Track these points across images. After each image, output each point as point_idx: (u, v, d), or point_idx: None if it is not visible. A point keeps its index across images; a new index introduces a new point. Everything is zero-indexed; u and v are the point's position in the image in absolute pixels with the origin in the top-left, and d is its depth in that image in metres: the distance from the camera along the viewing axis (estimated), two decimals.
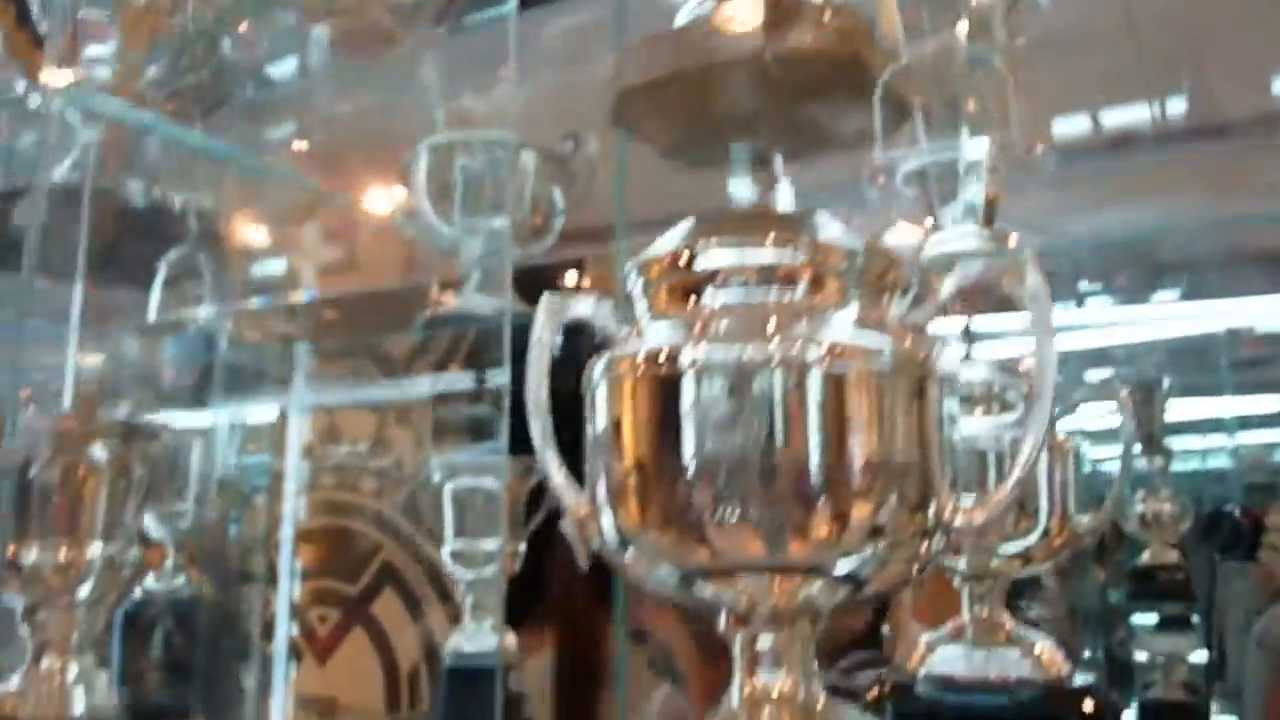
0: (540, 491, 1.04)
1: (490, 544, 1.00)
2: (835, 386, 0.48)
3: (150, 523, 1.23)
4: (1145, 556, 1.83)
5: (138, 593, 1.21)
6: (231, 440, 1.93)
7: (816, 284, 0.49)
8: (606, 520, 0.53)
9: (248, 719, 1.60)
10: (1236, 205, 1.63)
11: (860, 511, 0.48)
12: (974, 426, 0.82)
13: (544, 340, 0.59)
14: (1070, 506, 0.83)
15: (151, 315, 1.08)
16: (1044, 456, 0.82)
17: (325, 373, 1.96)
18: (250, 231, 1.47)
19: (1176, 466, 1.82)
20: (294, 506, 1.94)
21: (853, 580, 0.50)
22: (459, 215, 1.14)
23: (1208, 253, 1.72)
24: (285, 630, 1.91)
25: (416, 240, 1.30)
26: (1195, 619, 1.78)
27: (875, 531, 0.49)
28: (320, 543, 1.91)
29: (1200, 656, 1.74)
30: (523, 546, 1.05)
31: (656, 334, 0.51)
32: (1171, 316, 1.89)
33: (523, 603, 1.10)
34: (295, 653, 1.86)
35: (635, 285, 0.53)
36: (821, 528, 0.48)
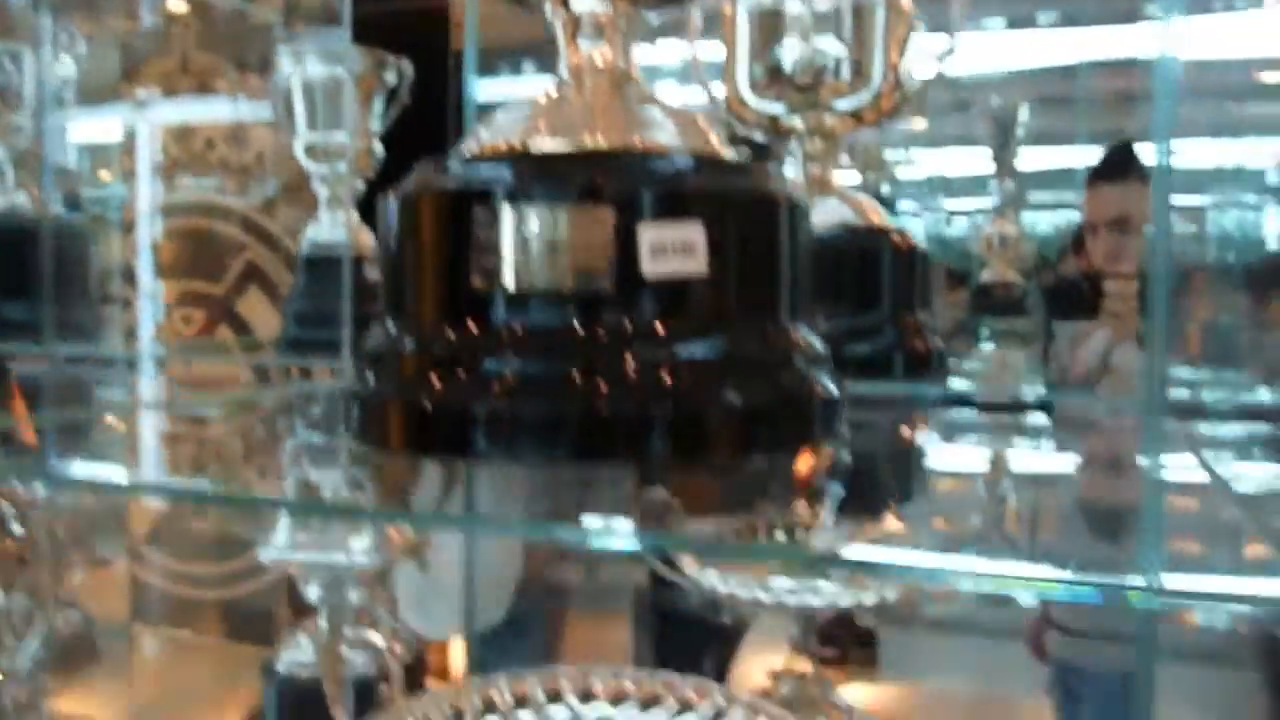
0: (398, 89, 1.03)
1: (342, 136, 0.99)
2: None
3: None
4: (987, 275, 1.95)
5: None
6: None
7: None
8: None
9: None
10: None
11: None
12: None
13: None
14: (903, 68, 0.87)
15: None
16: (880, 16, 0.85)
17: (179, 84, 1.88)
18: None
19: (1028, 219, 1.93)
20: (150, 212, 1.89)
21: None
22: None
23: None
24: (148, 333, 1.90)
25: None
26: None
27: None
28: (183, 245, 1.88)
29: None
30: (378, 145, 1.05)
31: None
32: (1031, 45, 1.95)
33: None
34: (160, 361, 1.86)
35: None
36: None
